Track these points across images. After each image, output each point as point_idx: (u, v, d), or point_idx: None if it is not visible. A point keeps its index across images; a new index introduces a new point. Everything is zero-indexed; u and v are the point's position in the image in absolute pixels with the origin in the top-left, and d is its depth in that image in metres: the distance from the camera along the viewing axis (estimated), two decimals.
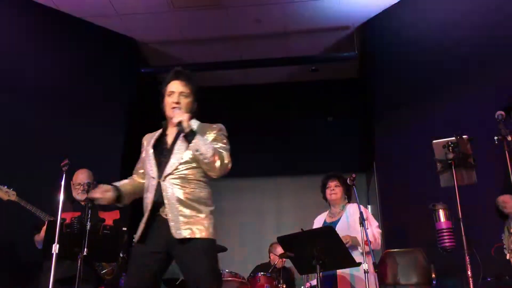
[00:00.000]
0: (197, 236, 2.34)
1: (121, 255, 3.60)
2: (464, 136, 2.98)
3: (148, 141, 2.65)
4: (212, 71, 6.76)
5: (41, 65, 5.20)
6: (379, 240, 3.69)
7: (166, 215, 2.39)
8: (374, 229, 3.64)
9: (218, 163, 2.43)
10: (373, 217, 3.85)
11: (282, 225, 6.38)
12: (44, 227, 3.30)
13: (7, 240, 4.23)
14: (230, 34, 6.10)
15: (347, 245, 3.37)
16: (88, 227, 3.10)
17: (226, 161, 2.47)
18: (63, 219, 3.02)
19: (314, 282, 3.63)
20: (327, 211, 3.96)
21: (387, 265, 3.90)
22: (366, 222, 3.41)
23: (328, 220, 3.85)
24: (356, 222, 3.52)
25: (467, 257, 2.75)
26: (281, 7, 5.61)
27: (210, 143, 2.47)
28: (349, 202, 3.90)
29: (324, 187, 3.95)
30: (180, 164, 2.45)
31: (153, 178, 2.46)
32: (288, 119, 6.98)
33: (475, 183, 2.98)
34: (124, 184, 2.64)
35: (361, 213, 3.43)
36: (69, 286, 3.19)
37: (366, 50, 6.17)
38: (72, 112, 5.27)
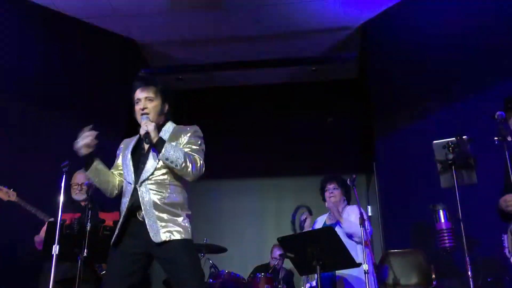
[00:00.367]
0: (176, 237, 2.39)
1: None
2: (464, 137, 2.98)
3: (126, 146, 2.70)
4: (212, 72, 6.76)
5: (41, 66, 5.20)
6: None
7: (142, 218, 2.43)
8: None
9: (190, 168, 2.43)
10: (369, 221, 3.85)
11: (282, 226, 6.38)
12: (44, 228, 3.29)
13: (7, 240, 4.23)
14: (230, 35, 6.10)
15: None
16: (88, 228, 3.10)
17: (199, 164, 2.48)
18: (63, 220, 3.02)
19: (314, 283, 3.63)
20: (328, 213, 3.95)
21: (387, 266, 3.90)
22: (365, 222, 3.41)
23: (328, 222, 3.85)
24: (352, 217, 3.54)
25: (467, 258, 2.75)
26: (281, 8, 5.61)
27: (181, 148, 2.48)
28: (348, 203, 3.90)
29: (323, 190, 3.95)
30: (156, 169, 2.48)
31: (130, 183, 2.50)
32: (288, 120, 6.98)
33: (475, 184, 2.98)
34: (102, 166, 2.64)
35: (361, 213, 3.43)
36: (69, 287, 3.19)
37: (366, 51, 6.17)
38: (72, 113, 5.26)
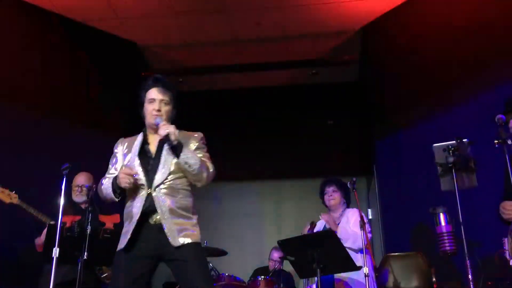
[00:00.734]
0: (190, 241, 2.41)
1: None
2: (464, 140, 2.98)
3: (126, 147, 2.64)
4: (212, 75, 6.77)
5: (41, 68, 5.21)
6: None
7: (155, 222, 2.43)
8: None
9: (205, 174, 2.48)
10: (368, 224, 3.84)
11: (283, 229, 6.38)
12: (45, 231, 3.30)
13: (8, 243, 4.23)
14: (230, 37, 6.10)
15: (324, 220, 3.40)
16: (88, 230, 3.10)
17: (211, 171, 2.53)
18: (63, 223, 3.02)
19: (314, 286, 3.63)
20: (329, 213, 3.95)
21: (387, 269, 3.90)
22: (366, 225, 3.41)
23: (328, 225, 3.84)
24: (353, 223, 3.53)
25: (468, 261, 2.75)
26: (282, 11, 5.61)
27: (195, 154, 2.50)
28: (348, 206, 3.90)
29: (322, 193, 3.95)
30: (169, 174, 2.48)
31: (142, 188, 2.47)
32: (288, 122, 6.98)
33: (476, 187, 2.98)
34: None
35: (361, 216, 3.43)
36: None
37: (366, 53, 6.18)
38: (73, 116, 5.27)
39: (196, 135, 2.64)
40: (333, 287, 3.55)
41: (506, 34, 4.25)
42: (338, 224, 3.74)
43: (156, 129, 2.54)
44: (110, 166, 2.69)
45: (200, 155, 2.53)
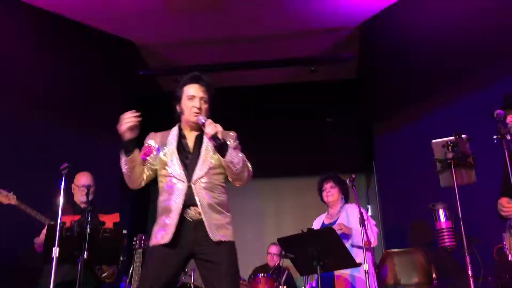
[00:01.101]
0: (227, 239, 2.41)
1: (121, 258, 3.60)
2: (463, 136, 2.98)
3: (160, 141, 2.58)
4: (210, 73, 6.76)
5: (40, 68, 5.20)
6: (375, 240, 3.68)
7: (191, 218, 2.41)
8: (371, 227, 3.64)
9: (246, 173, 2.51)
10: (370, 217, 3.85)
11: (282, 226, 6.38)
12: (44, 231, 3.29)
13: (7, 243, 4.23)
14: (228, 35, 6.10)
15: (338, 232, 3.38)
16: (88, 230, 3.11)
17: (251, 170, 2.57)
18: (63, 223, 3.02)
19: (314, 283, 3.63)
20: (326, 213, 3.96)
21: (387, 265, 3.91)
22: (366, 222, 3.42)
23: (327, 222, 3.85)
24: (354, 222, 3.53)
25: (468, 257, 2.75)
26: (280, 8, 5.61)
27: (238, 153, 2.50)
28: (346, 202, 3.90)
29: (320, 190, 3.95)
30: (209, 169, 2.47)
31: (182, 181, 2.44)
32: (287, 120, 6.98)
33: (475, 183, 2.98)
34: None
35: (361, 213, 3.43)
36: None
37: (365, 50, 6.18)
38: (71, 115, 5.27)
39: (231, 133, 2.64)
40: (333, 284, 3.56)
41: (504, 31, 4.25)
42: (337, 219, 3.74)
43: (194, 126, 2.54)
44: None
45: (240, 155, 2.53)
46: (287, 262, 4.42)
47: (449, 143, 2.97)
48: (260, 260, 5.68)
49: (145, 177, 2.57)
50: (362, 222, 3.37)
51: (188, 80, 2.61)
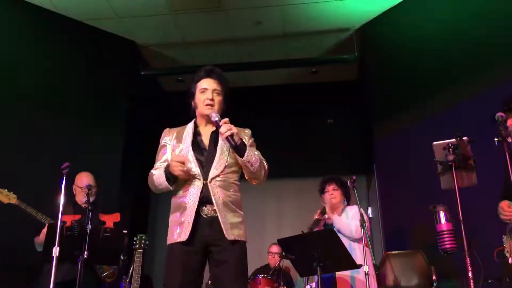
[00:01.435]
0: (242, 239, 2.40)
1: (121, 257, 3.60)
2: (464, 138, 2.97)
3: (176, 137, 2.57)
4: None
5: (41, 67, 5.21)
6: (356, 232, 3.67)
7: (207, 215, 2.39)
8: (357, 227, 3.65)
9: (262, 172, 2.49)
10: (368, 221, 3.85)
11: (283, 227, 6.38)
12: (45, 230, 3.29)
13: (7, 243, 4.23)
14: (230, 36, 6.11)
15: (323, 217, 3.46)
16: (88, 229, 3.11)
17: (267, 168, 2.54)
18: (63, 222, 3.02)
19: (314, 285, 3.63)
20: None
21: (387, 267, 3.90)
22: (365, 224, 3.42)
23: (328, 222, 3.85)
24: (352, 218, 3.54)
25: (468, 259, 2.74)
26: (281, 9, 5.62)
27: (254, 152, 2.49)
28: (348, 204, 3.90)
29: (322, 192, 3.95)
30: (225, 167, 2.46)
31: (198, 179, 2.43)
32: (288, 121, 6.98)
33: (476, 185, 2.98)
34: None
35: (361, 215, 3.43)
36: None
37: (365, 52, 6.18)
38: (72, 115, 5.27)
39: (246, 131, 2.64)
40: (334, 285, 3.55)
41: (505, 33, 4.25)
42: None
43: (208, 120, 2.53)
44: (159, 156, 2.60)
45: (256, 152, 2.52)
46: (287, 263, 4.43)
47: (450, 145, 2.97)
48: (261, 261, 5.68)
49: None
50: (363, 223, 3.37)
51: (200, 75, 2.61)
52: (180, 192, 2.46)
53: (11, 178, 3.94)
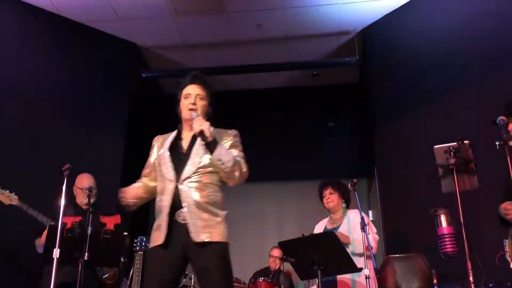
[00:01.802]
0: (215, 240, 2.38)
1: (122, 259, 3.60)
2: (465, 141, 2.97)
3: (161, 143, 2.64)
4: (213, 76, 6.76)
5: (42, 69, 5.21)
6: (375, 248, 3.67)
7: (183, 219, 2.40)
8: (373, 235, 3.63)
9: (237, 173, 2.46)
10: (372, 224, 3.84)
11: (284, 230, 6.37)
12: (45, 232, 3.29)
13: (8, 244, 4.23)
14: (231, 39, 6.11)
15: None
16: (89, 231, 3.11)
17: (244, 170, 2.51)
18: (64, 224, 3.02)
19: None
20: (328, 217, 3.95)
21: (388, 271, 3.89)
22: (367, 227, 3.41)
23: (329, 226, 3.83)
24: (356, 228, 3.52)
25: (469, 263, 2.74)
26: (283, 12, 5.63)
27: (229, 151, 2.49)
28: (348, 206, 3.88)
29: (321, 197, 3.94)
30: (198, 168, 2.46)
31: (170, 181, 2.45)
32: (289, 124, 6.98)
33: (477, 188, 2.98)
34: (137, 188, 2.65)
35: (362, 218, 3.42)
36: None
37: (367, 55, 6.18)
38: (73, 117, 5.27)
39: (230, 132, 2.63)
40: None
41: (506, 36, 4.25)
42: (340, 225, 3.73)
43: (191, 125, 2.53)
44: (146, 164, 2.70)
45: (235, 153, 2.52)
46: (288, 266, 4.42)
47: (451, 148, 2.96)
48: (261, 263, 5.67)
49: (152, 190, 2.62)
50: (363, 227, 3.36)
51: (185, 82, 2.65)
52: (159, 197, 2.50)
53: (12, 180, 3.94)
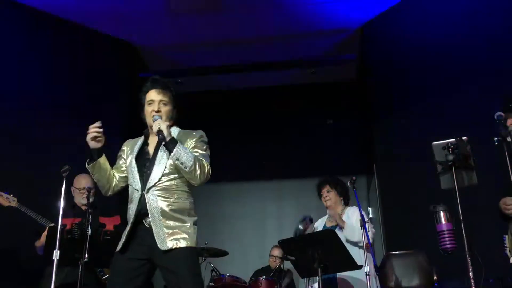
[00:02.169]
0: (181, 245, 2.38)
1: None
2: (463, 138, 2.97)
3: (129, 148, 2.67)
4: (211, 75, 6.77)
5: (40, 70, 5.21)
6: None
7: (149, 225, 2.42)
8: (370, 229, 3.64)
9: (198, 172, 2.45)
10: (369, 221, 3.84)
11: (283, 228, 6.38)
12: (45, 233, 3.29)
13: (8, 246, 4.23)
14: (229, 37, 6.10)
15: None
16: (88, 232, 3.10)
17: (206, 170, 2.49)
18: (63, 225, 3.02)
19: (316, 286, 3.63)
20: (327, 215, 3.95)
21: (388, 268, 3.89)
22: (367, 224, 3.42)
23: (328, 224, 3.84)
24: (354, 221, 3.54)
25: (469, 259, 2.74)
26: (280, 11, 5.61)
27: (190, 151, 2.48)
28: (347, 203, 3.89)
29: (319, 196, 3.95)
30: (163, 175, 2.47)
31: (137, 190, 2.48)
32: (288, 122, 6.98)
33: (476, 184, 2.98)
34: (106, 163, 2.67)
35: (362, 215, 3.43)
36: None
37: (365, 52, 6.18)
38: (70, 117, 5.26)
39: (195, 133, 2.63)
40: (335, 286, 3.55)
41: (504, 32, 4.25)
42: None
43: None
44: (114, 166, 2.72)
45: (197, 153, 2.51)
46: (288, 265, 4.42)
47: (449, 145, 2.96)
48: (261, 262, 5.68)
49: (113, 185, 2.65)
50: (363, 224, 3.37)
51: (147, 86, 2.65)
52: (128, 205, 2.53)
53: (10, 181, 3.94)
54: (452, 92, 4.67)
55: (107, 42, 5.91)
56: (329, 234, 3.29)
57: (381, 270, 3.71)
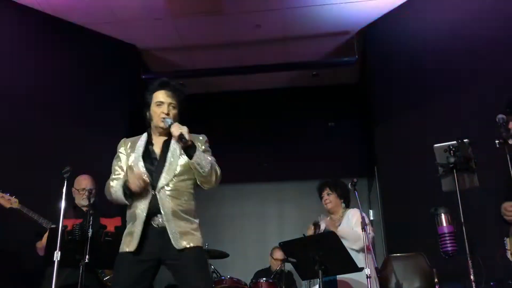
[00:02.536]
0: (193, 245, 2.41)
1: None
2: (465, 140, 2.97)
3: (130, 148, 2.63)
4: (212, 77, 6.77)
5: (41, 72, 5.22)
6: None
7: (158, 225, 2.43)
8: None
9: (214, 177, 2.49)
10: (370, 224, 3.83)
11: (284, 230, 6.38)
12: (46, 234, 3.29)
13: (9, 247, 4.23)
14: (230, 40, 6.11)
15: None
16: (89, 234, 3.10)
17: (219, 174, 2.54)
18: (64, 226, 3.02)
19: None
20: (328, 218, 3.94)
21: (389, 270, 3.89)
22: (367, 226, 3.41)
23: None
24: (356, 226, 3.53)
25: (470, 262, 2.74)
26: (281, 13, 5.63)
27: (206, 156, 2.50)
28: (348, 206, 3.88)
29: (320, 198, 3.94)
30: (174, 176, 2.48)
31: (147, 189, 2.46)
32: (289, 124, 6.99)
33: (477, 187, 2.98)
34: None
35: (363, 217, 3.42)
36: None
37: (366, 55, 6.18)
38: (72, 119, 5.28)
39: (201, 137, 2.64)
40: None
41: (505, 34, 4.25)
42: (338, 226, 3.74)
43: (162, 131, 2.57)
44: (114, 167, 2.67)
45: (209, 158, 2.54)
46: (289, 267, 4.42)
47: (451, 147, 2.96)
48: (262, 263, 5.68)
49: None
50: (364, 226, 3.37)
51: (156, 86, 2.64)
52: (133, 203, 2.49)
53: (12, 182, 3.94)
54: (453, 95, 4.68)
55: (109, 44, 5.92)
56: (330, 236, 3.29)
57: (382, 273, 3.71)
